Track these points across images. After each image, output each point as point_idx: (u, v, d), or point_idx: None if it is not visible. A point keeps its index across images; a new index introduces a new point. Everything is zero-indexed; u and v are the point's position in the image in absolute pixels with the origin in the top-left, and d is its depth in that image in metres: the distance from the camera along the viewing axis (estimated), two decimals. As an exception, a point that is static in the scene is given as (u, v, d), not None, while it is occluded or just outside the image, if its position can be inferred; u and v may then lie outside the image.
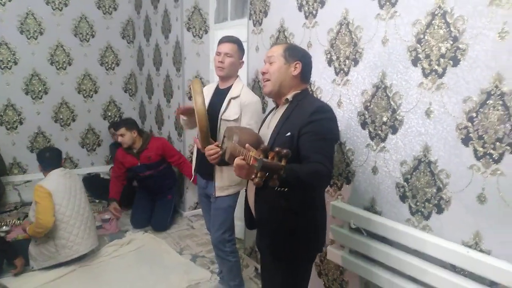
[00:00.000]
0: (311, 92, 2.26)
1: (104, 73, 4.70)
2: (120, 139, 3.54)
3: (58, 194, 2.85)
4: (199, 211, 3.86)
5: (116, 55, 4.74)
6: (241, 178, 1.49)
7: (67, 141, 4.59)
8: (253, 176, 1.27)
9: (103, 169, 4.72)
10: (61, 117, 4.52)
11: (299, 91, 1.69)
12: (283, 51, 1.67)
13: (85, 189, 3.20)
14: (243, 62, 2.41)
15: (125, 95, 4.89)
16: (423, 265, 1.74)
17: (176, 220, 3.83)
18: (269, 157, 1.26)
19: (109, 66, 4.73)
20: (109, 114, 4.81)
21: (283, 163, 1.24)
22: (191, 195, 3.96)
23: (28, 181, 4.28)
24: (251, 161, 1.31)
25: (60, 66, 4.42)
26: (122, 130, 3.51)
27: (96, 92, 4.68)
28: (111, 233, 3.52)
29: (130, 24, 4.76)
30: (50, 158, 3.04)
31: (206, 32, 3.78)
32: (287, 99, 1.69)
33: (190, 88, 2.30)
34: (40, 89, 4.35)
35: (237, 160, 1.41)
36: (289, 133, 1.58)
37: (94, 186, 4.36)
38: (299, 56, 1.67)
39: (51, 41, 4.32)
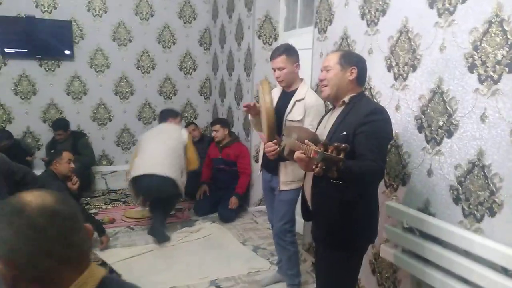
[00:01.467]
0: (370, 96, 2.38)
1: (182, 77, 5.14)
2: (214, 133, 4.13)
3: None
4: (262, 207, 4.09)
5: (193, 61, 5.16)
6: (302, 167, 1.67)
7: (148, 137, 5.08)
8: (313, 167, 1.45)
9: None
10: (144, 115, 5.03)
11: (355, 94, 1.83)
12: (339, 59, 1.82)
13: None
14: (298, 64, 2.52)
15: (200, 97, 5.30)
16: (474, 267, 1.78)
17: (241, 214, 4.09)
18: (329, 151, 1.42)
19: (187, 71, 5.16)
20: (186, 114, 5.24)
21: (342, 156, 1.40)
22: (256, 192, 4.20)
23: (114, 171, 4.83)
24: (311, 154, 1.48)
25: (145, 70, 4.93)
26: (217, 127, 4.12)
27: (175, 94, 5.14)
28: (183, 221, 3.87)
29: (207, 32, 5.15)
30: None
31: (276, 39, 4.00)
32: (343, 101, 1.84)
33: (258, 90, 2.52)
34: (127, 90, 4.89)
35: (297, 154, 1.59)
36: (344, 132, 1.73)
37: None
38: (354, 62, 1.81)
39: (138, 48, 4.85)
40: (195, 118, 5.27)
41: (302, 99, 2.48)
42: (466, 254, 1.83)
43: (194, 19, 5.07)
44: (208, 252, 3.23)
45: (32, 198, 0.76)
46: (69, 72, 4.58)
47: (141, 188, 3.48)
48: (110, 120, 4.87)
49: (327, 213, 1.82)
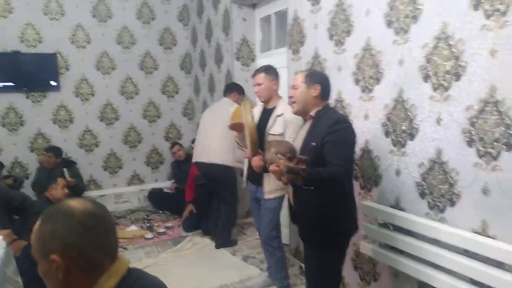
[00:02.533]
0: (341, 108, 2.64)
1: (165, 100, 5.34)
2: (176, 155, 4.45)
3: None
4: (249, 219, 4.27)
5: (176, 84, 5.38)
6: (277, 179, 1.91)
7: (134, 160, 5.23)
8: (282, 178, 1.71)
9: (165, 185, 5.29)
10: (129, 139, 5.18)
11: (320, 108, 2.08)
12: (304, 78, 2.08)
13: None
14: (276, 82, 2.78)
15: (184, 118, 5.50)
16: (442, 252, 2.01)
17: (229, 228, 4.25)
18: (293, 163, 1.68)
19: (170, 94, 5.37)
20: (170, 135, 5.42)
21: (303, 166, 1.65)
22: (242, 206, 4.38)
23: (102, 195, 4.94)
24: (282, 167, 1.73)
25: (129, 96, 5.12)
26: (178, 147, 4.48)
27: (159, 117, 5.32)
28: (174, 238, 4.01)
29: (188, 57, 5.40)
30: None
31: (253, 60, 4.27)
32: (311, 115, 2.09)
33: (241, 109, 2.76)
34: (112, 116, 5.05)
35: (271, 167, 1.85)
36: (314, 143, 1.98)
37: (159, 199, 4.95)
38: (318, 80, 2.06)
39: (121, 75, 5.04)
40: (180, 138, 5.45)
41: (282, 114, 2.73)
42: (434, 241, 2.07)
43: (175, 45, 5.31)
44: (201, 264, 3.38)
45: (77, 204, 0.95)
46: (55, 102, 4.73)
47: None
48: (97, 145, 5.01)
49: (308, 215, 2.04)
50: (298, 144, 2.15)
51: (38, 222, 0.95)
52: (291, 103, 2.14)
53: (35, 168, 4.53)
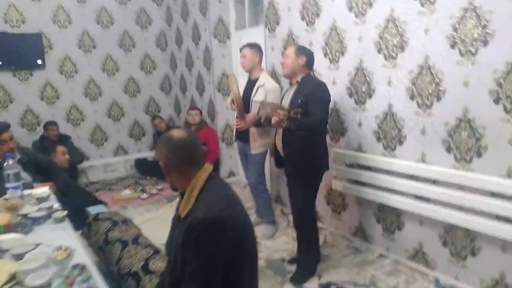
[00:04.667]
0: (313, 75, 3.27)
1: (144, 76, 5.74)
2: (192, 117, 4.86)
3: None
4: (231, 179, 4.90)
5: (153, 61, 5.78)
6: (276, 127, 2.52)
7: (118, 133, 5.64)
8: (282, 124, 2.33)
9: (148, 154, 5.76)
10: (112, 113, 5.58)
11: (305, 75, 2.70)
12: (295, 50, 2.68)
13: None
14: (257, 55, 3.33)
15: (161, 93, 5.94)
16: (394, 179, 2.73)
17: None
18: (291, 113, 2.30)
19: (148, 70, 5.77)
20: (150, 109, 5.86)
21: (299, 116, 2.27)
22: (225, 167, 4.97)
23: (92, 165, 5.34)
24: (281, 117, 2.34)
25: (110, 72, 5.47)
26: (196, 111, 4.93)
27: (139, 92, 5.73)
28: (167, 197, 4.55)
29: (162, 35, 5.79)
30: None
31: (229, 37, 4.79)
32: (297, 80, 2.70)
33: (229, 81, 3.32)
34: (96, 92, 5.40)
35: (273, 119, 2.44)
36: (299, 101, 2.59)
37: (145, 167, 5.44)
38: (305, 53, 2.67)
39: (102, 53, 5.37)
40: (159, 111, 5.91)
41: (263, 84, 3.32)
42: (389, 172, 2.79)
43: (150, 24, 5.69)
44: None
45: (176, 133, 1.50)
46: (41, 80, 5.00)
47: None
48: (83, 120, 5.36)
49: (293, 155, 2.67)
50: (284, 103, 2.76)
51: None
52: (282, 67, 2.73)
53: (31, 142, 4.83)
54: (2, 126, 2.73)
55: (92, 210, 3.06)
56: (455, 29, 2.31)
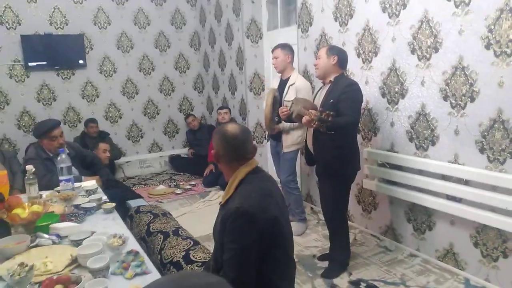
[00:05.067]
0: (347, 75, 3.33)
1: (178, 75, 5.93)
2: (222, 116, 4.95)
3: None
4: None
5: (186, 61, 5.96)
6: (306, 126, 2.60)
7: (153, 130, 5.86)
8: (312, 124, 2.40)
9: (181, 151, 5.96)
10: (148, 111, 5.79)
11: (338, 75, 2.76)
12: (326, 50, 2.74)
13: None
14: (289, 56, 3.42)
15: (194, 92, 6.11)
16: (426, 179, 2.76)
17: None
18: (323, 115, 2.36)
19: (182, 70, 5.95)
20: (184, 108, 6.05)
21: (330, 118, 2.33)
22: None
23: (128, 161, 5.58)
24: (313, 117, 2.42)
25: (146, 72, 5.68)
26: (226, 110, 5.01)
27: (173, 91, 5.93)
28: (199, 193, 4.71)
29: (196, 35, 5.96)
30: None
31: (261, 38, 4.89)
32: (330, 80, 2.76)
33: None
34: (133, 90, 5.63)
35: (304, 118, 2.52)
36: (332, 100, 2.66)
37: (179, 164, 5.64)
38: (336, 52, 2.72)
39: (139, 53, 5.59)
40: (192, 110, 6.08)
41: (293, 83, 3.40)
42: (421, 172, 2.82)
43: (184, 24, 5.86)
44: (229, 210, 4.10)
45: (230, 128, 1.61)
46: (82, 79, 5.27)
47: None
48: (120, 117, 5.60)
49: (324, 154, 2.74)
50: (317, 102, 2.83)
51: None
52: (315, 69, 2.81)
53: (72, 139, 5.09)
54: (53, 123, 2.94)
55: (133, 203, 3.24)
56: (490, 30, 2.33)
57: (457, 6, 2.48)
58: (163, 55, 5.77)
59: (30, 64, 4.89)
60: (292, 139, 3.44)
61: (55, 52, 4.97)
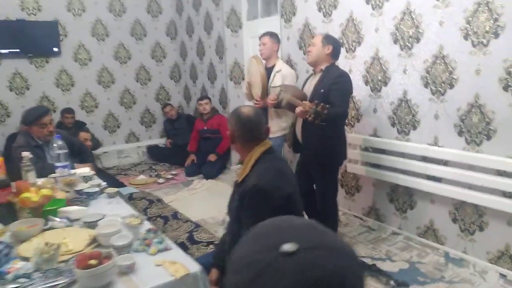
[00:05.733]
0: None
1: (154, 64, 5.88)
2: (202, 107, 4.97)
3: None
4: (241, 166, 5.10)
5: (163, 50, 5.92)
6: (299, 117, 2.69)
7: (130, 120, 5.80)
8: (307, 116, 2.48)
9: (159, 141, 5.94)
10: (125, 101, 5.72)
11: (329, 64, 2.88)
12: (322, 38, 2.84)
13: None
14: (276, 45, 3.54)
15: (171, 81, 6.09)
16: (407, 161, 2.96)
17: (224, 172, 5.04)
18: (318, 108, 2.46)
19: (158, 59, 5.91)
20: (160, 97, 6.01)
21: (325, 111, 2.44)
22: (236, 154, 5.17)
23: (105, 152, 5.50)
24: (307, 109, 2.51)
25: (122, 61, 5.60)
26: (206, 101, 5.00)
27: (149, 80, 5.87)
28: (182, 182, 4.74)
29: (172, 24, 5.93)
30: None
31: (241, 27, 4.94)
32: (321, 69, 2.87)
33: (250, 63, 3.48)
34: (108, 79, 5.54)
35: (298, 109, 2.61)
36: (322, 90, 2.77)
37: (157, 154, 5.62)
38: (331, 42, 2.84)
39: (115, 41, 5.50)
40: (169, 99, 6.06)
41: (280, 70, 3.51)
42: (402, 155, 3.01)
43: (160, 13, 5.81)
44: (214, 197, 4.16)
45: (245, 110, 1.69)
46: (57, 67, 5.12)
47: None
48: (96, 107, 5.50)
49: (313, 142, 2.86)
50: (307, 90, 2.94)
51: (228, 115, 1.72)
52: (308, 55, 2.89)
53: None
54: (42, 110, 2.89)
55: (123, 191, 3.25)
56: (468, 22, 2.52)
57: (438, -1, 2.66)
58: (139, 43, 5.71)
59: (1, 51, 4.71)
60: (278, 125, 3.53)
61: (28, 39, 4.81)
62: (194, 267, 1.47)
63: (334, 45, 2.82)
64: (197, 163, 5.02)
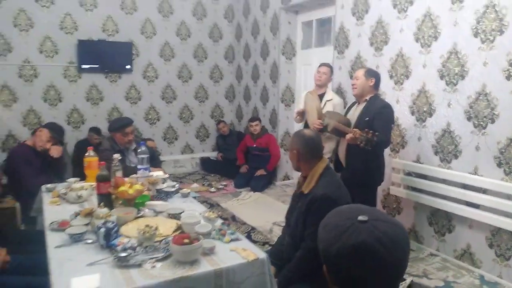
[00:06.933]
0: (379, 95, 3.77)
1: (212, 84, 6.41)
2: (253, 127, 5.36)
3: None
4: (287, 182, 5.45)
5: (220, 72, 6.44)
6: (349, 142, 3.00)
7: (187, 133, 6.33)
8: (358, 142, 2.79)
9: (211, 154, 6.42)
10: (183, 116, 6.26)
11: (373, 95, 3.19)
12: (364, 72, 3.17)
13: None
14: (331, 75, 3.94)
15: (225, 101, 6.58)
16: (448, 187, 3.18)
17: (270, 187, 5.38)
18: (368, 135, 2.76)
19: (216, 79, 6.43)
20: (215, 114, 6.51)
21: (375, 138, 2.74)
22: (281, 171, 5.53)
23: (163, 161, 5.98)
24: (357, 135, 2.82)
25: (184, 80, 6.16)
26: (257, 122, 5.40)
27: (207, 98, 6.40)
28: (231, 192, 5.13)
29: (231, 49, 6.46)
30: None
31: (294, 55, 5.37)
32: (365, 99, 3.18)
33: (307, 96, 3.85)
34: (171, 96, 6.10)
35: (349, 135, 2.92)
36: (367, 118, 3.08)
37: (209, 165, 6.09)
38: (373, 75, 3.17)
39: (179, 62, 6.08)
40: (222, 116, 6.55)
41: (331, 99, 3.86)
42: (443, 181, 3.24)
43: (221, 38, 6.36)
44: (261, 208, 4.50)
45: (307, 132, 2.05)
46: (127, 83, 5.75)
47: None
48: (158, 120, 6.07)
49: (357, 164, 3.13)
50: (351, 117, 3.25)
51: (293, 135, 2.08)
52: (353, 88, 3.23)
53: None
54: (127, 121, 3.39)
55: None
56: (511, 64, 2.77)
57: (483, 42, 2.93)
58: (200, 65, 6.26)
59: (83, 66, 5.38)
60: (327, 149, 3.85)
61: (106, 56, 5.46)
62: (262, 254, 1.81)
63: (376, 78, 3.13)
64: (245, 177, 5.39)
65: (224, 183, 5.44)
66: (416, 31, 3.42)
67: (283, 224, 2.43)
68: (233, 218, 2.92)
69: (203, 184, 5.41)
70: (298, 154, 2.05)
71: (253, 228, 2.72)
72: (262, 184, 5.26)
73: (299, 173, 2.21)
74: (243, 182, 5.34)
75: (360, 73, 3.21)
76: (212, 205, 3.20)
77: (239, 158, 5.62)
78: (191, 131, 6.37)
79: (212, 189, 5.15)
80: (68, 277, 1.55)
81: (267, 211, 4.42)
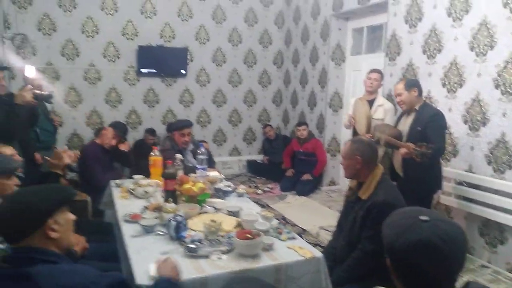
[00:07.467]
0: (430, 103, 3.77)
1: (261, 89, 6.59)
2: (300, 132, 5.45)
3: None
4: (333, 187, 5.51)
5: (269, 76, 6.61)
6: (403, 156, 3.04)
7: (235, 136, 6.54)
8: (414, 156, 2.84)
9: (257, 157, 6.60)
10: (232, 119, 6.49)
11: (421, 104, 3.21)
12: (404, 86, 3.20)
13: None
14: (382, 81, 3.98)
15: (272, 105, 6.74)
16: (501, 198, 3.14)
17: (316, 192, 5.46)
18: (423, 148, 2.80)
19: (264, 84, 6.61)
20: (262, 118, 6.69)
21: (430, 151, 2.78)
22: (327, 176, 5.60)
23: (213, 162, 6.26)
24: (411, 150, 2.86)
25: (234, 84, 6.40)
26: (304, 127, 5.48)
27: (255, 102, 6.59)
28: (277, 195, 5.27)
29: (280, 54, 6.61)
30: None
31: (344, 61, 5.43)
32: (415, 108, 3.21)
33: (356, 103, 3.92)
34: (222, 100, 6.35)
35: (403, 150, 2.97)
36: (419, 128, 3.10)
37: (256, 168, 6.27)
38: (414, 84, 3.19)
39: (230, 67, 6.32)
40: (269, 121, 6.71)
41: (382, 105, 3.90)
42: (496, 192, 3.20)
43: (270, 44, 6.53)
44: (307, 212, 4.60)
45: (366, 140, 2.16)
46: (182, 87, 6.05)
47: None
48: (209, 123, 6.33)
49: (414, 174, 3.17)
50: (405, 128, 3.28)
51: (349, 142, 2.19)
52: (400, 105, 3.27)
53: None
54: (187, 123, 3.63)
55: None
56: None
57: (543, 52, 2.89)
58: (249, 70, 6.46)
59: (142, 70, 5.73)
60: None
61: (163, 61, 5.78)
62: (318, 253, 1.94)
63: (417, 86, 3.17)
64: (291, 180, 5.52)
65: (270, 186, 5.59)
66: (471, 40, 3.40)
67: (330, 229, 2.53)
68: (284, 219, 3.04)
69: (250, 186, 5.58)
70: (362, 160, 2.12)
71: (303, 230, 2.84)
72: (308, 188, 5.36)
73: (346, 179, 2.28)
74: (289, 186, 5.46)
75: (400, 87, 3.23)
76: (263, 206, 3.34)
77: (286, 162, 5.75)
78: (239, 134, 6.58)
79: (259, 191, 5.32)
80: (146, 263, 1.74)
81: (313, 215, 4.51)
